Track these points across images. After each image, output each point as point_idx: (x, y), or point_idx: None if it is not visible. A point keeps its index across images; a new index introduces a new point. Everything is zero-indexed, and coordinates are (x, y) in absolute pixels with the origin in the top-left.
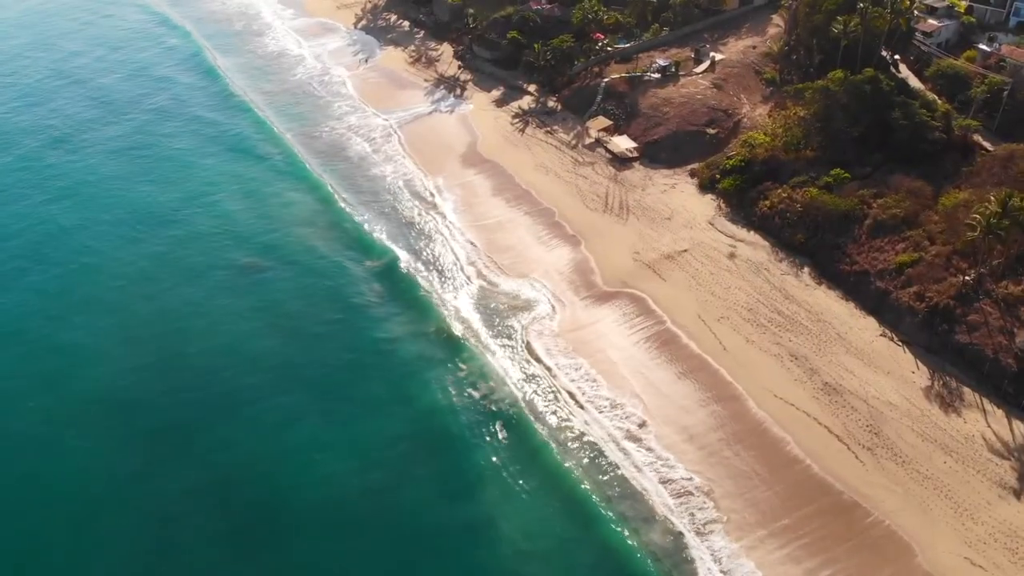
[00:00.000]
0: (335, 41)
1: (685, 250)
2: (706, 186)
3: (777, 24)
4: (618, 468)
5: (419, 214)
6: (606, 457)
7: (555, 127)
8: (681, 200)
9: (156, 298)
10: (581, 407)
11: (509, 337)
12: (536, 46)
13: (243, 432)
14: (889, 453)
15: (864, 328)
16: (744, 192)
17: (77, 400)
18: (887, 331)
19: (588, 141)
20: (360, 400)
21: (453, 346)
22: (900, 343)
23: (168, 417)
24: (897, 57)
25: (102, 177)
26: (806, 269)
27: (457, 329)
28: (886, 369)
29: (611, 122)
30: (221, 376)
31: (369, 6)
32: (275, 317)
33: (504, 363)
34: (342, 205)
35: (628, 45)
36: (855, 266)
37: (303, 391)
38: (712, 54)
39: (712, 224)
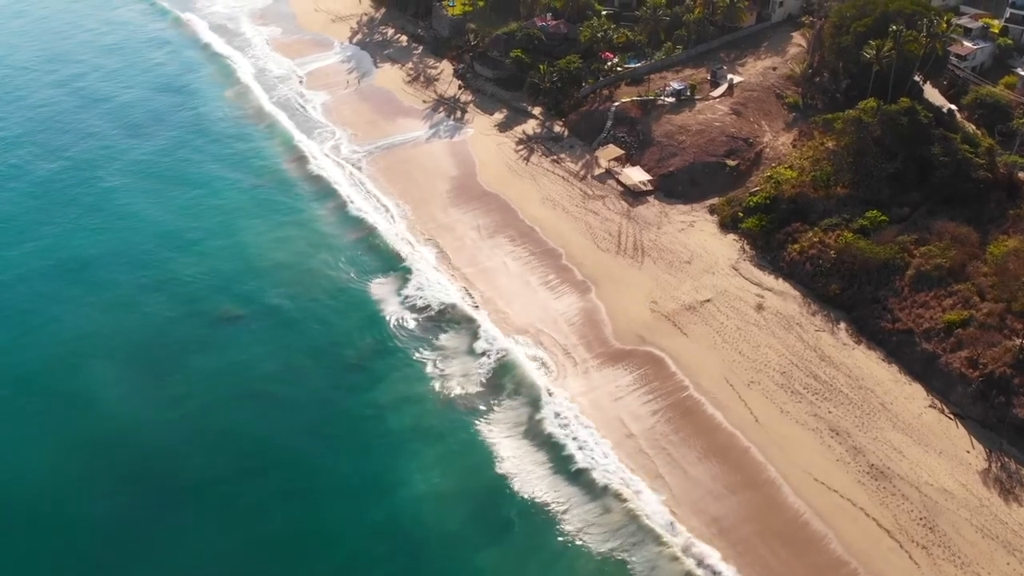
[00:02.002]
0: (330, 57)
1: (708, 300)
2: (728, 225)
3: (798, 44)
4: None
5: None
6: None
7: (562, 155)
8: (701, 240)
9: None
10: (599, 488)
11: (512, 409)
12: (542, 67)
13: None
14: (946, 553)
15: (911, 397)
16: (770, 234)
17: None
18: (936, 401)
19: (598, 172)
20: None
21: (448, 420)
22: (952, 416)
23: (112, 510)
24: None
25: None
26: (842, 325)
27: (449, 398)
28: (938, 448)
29: (622, 151)
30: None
31: (365, 19)
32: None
33: (504, 440)
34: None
35: (639, 65)
36: (897, 324)
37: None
38: (730, 76)
39: (736, 269)
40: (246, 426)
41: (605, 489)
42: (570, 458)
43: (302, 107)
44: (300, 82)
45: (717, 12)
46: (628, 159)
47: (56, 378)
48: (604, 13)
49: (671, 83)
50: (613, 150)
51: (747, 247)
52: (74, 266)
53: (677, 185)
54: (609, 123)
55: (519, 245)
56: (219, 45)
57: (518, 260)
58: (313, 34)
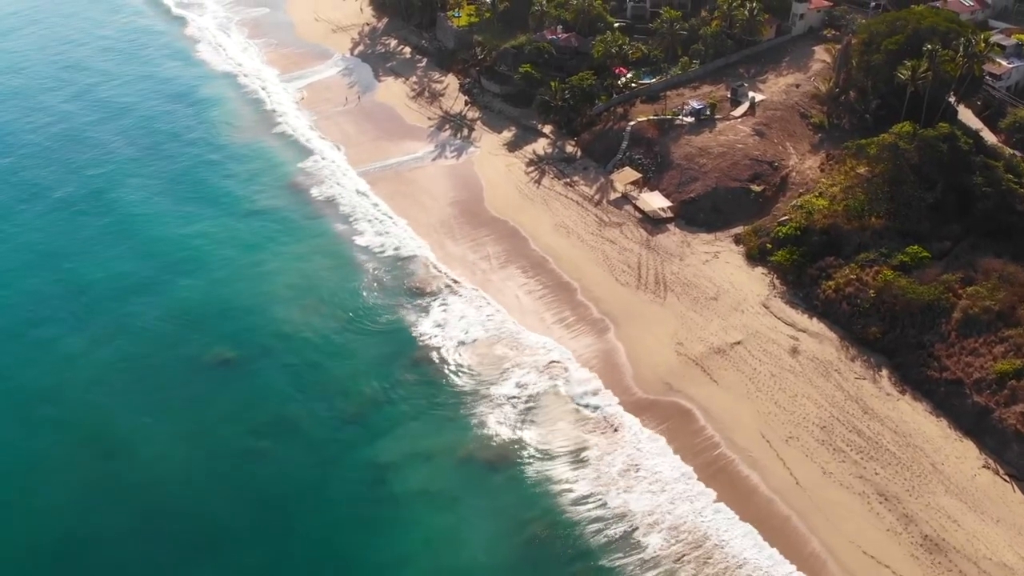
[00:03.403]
0: (329, 70)
1: (738, 342)
2: (755, 257)
3: (822, 59)
4: None
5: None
6: None
7: (575, 178)
8: (727, 274)
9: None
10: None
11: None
12: (553, 83)
13: None
14: None
15: (962, 456)
16: (802, 268)
17: None
18: (990, 461)
19: (614, 196)
20: None
21: (463, 481)
22: (1007, 478)
23: None
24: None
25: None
26: (884, 372)
27: (463, 454)
28: (995, 515)
29: (640, 175)
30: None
31: (367, 29)
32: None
33: None
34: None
35: (654, 81)
36: (945, 373)
37: None
38: (751, 94)
39: (767, 307)
40: (231, 489)
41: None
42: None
43: (300, 124)
44: (299, 99)
45: (735, 25)
46: (646, 183)
47: (19, 432)
48: (616, 25)
49: (690, 101)
50: (630, 173)
51: (777, 282)
52: (50, 297)
53: (699, 212)
54: (624, 144)
55: (532, 277)
56: (210, 56)
57: (531, 294)
58: (312, 45)
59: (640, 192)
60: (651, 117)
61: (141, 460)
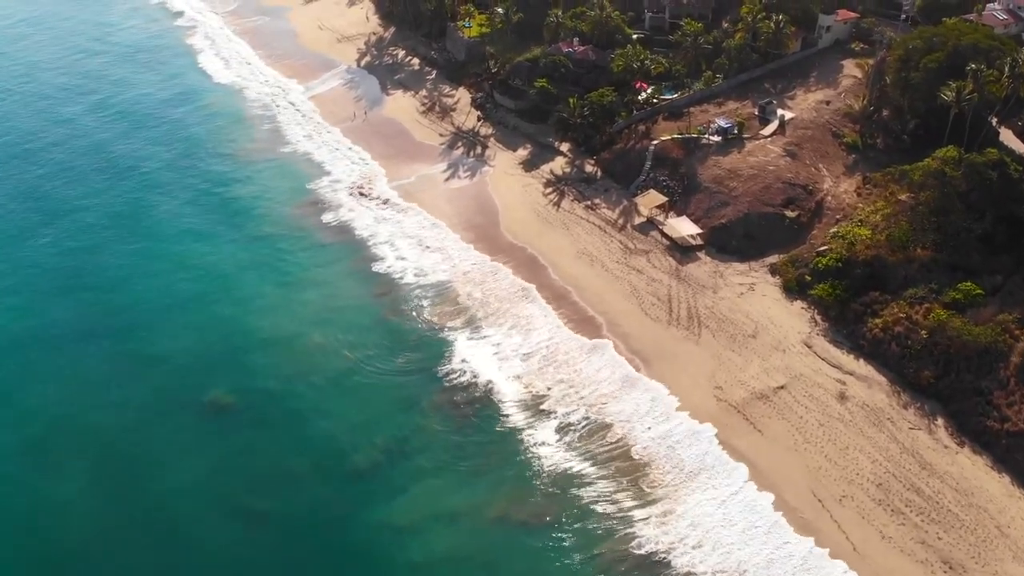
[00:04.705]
0: (334, 80)
1: (782, 386)
2: (793, 289)
3: (852, 75)
4: None
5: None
6: None
7: (596, 200)
8: (764, 308)
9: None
10: None
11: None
12: (571, 100)
13: None
14: None
15: None
16: (845, 303)
17: None
18: None
19: (639, 221)
20: None
21: (495, 544)
22: None
23: None
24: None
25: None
26: (940, 421)
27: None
28: None
29: (666, 198)
30: None
31: (373, 39)
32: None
33: None
34: None
35: (676, 96)
36: (1007, 424)
37: None
38: (780, 112)
39: (810, 346)
40: (227, 554)
41: None
42: None
43: (308, 140)
44: (306, 115)
45: (760, 38)
46: (672, 207)
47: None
48: (635, 37)
49: (716, 119)
50: (655, 196)
51: (819, 318)
52: (37, 336)
53: (731, 239)
54: (648, 164)
55: (554, 311)
56: (212, 66)
57: (559, 329)
58: (316, 55)
59: (667, 217)
60: (675, 136)
61: (132, 514)
